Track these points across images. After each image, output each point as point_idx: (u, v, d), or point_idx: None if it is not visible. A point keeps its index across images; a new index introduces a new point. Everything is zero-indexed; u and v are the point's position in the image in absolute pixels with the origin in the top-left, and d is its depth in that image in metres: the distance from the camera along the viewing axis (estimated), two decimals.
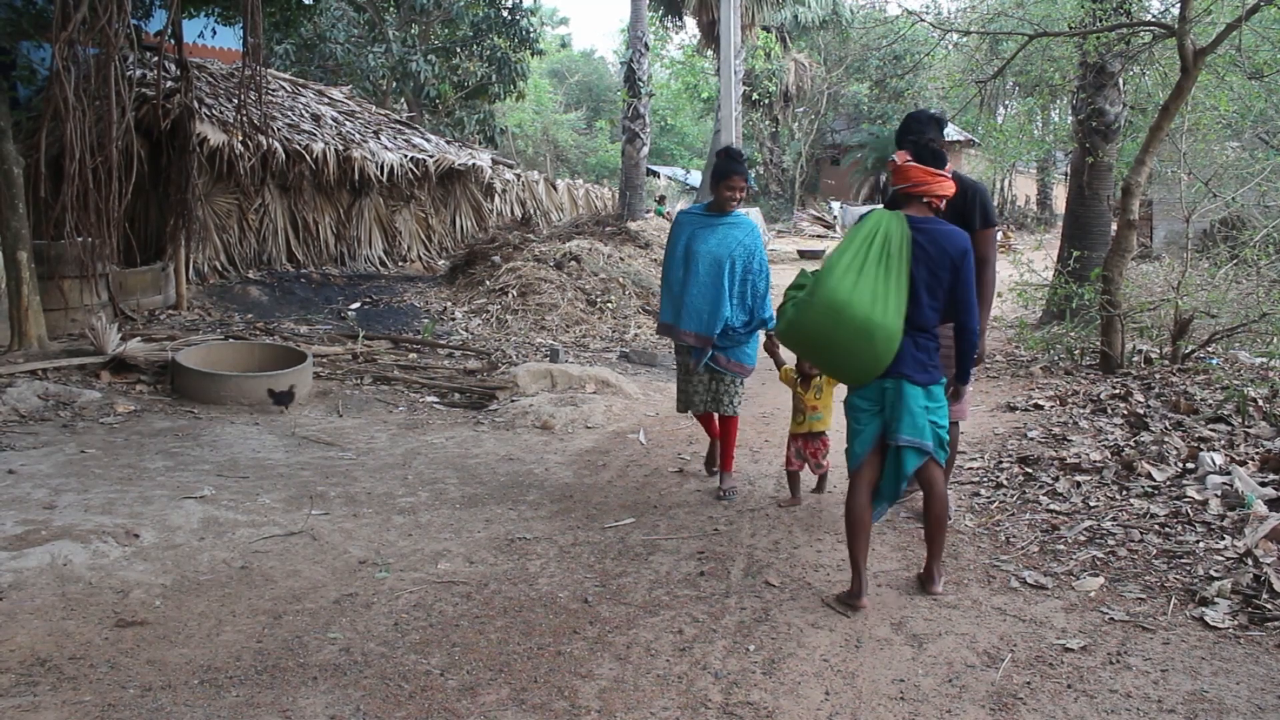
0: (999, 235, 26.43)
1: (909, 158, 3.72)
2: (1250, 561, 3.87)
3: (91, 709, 2.97)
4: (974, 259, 3.75)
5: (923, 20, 10.71)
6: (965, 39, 12.85)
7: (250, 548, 4.39)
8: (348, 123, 13.88)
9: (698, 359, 5.18)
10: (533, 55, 20.72)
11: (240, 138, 10.97)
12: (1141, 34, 9.65)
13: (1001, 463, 5.71)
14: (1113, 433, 6.01)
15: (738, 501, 5.18)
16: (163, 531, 4.47)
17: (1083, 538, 4.41)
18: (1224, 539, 4.16)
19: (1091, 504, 4.81)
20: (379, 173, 13.18)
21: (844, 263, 3.57)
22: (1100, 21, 9.41)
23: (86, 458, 5.61)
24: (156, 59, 9.49)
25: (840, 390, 4.81)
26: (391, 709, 3.01)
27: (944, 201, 3.75)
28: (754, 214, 24.12)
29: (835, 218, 29.21)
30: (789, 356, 5.16)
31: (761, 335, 5.30)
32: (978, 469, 5.67)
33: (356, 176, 13.03)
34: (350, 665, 3.29)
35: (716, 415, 5.36)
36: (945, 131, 4.33)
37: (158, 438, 6.20)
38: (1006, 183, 33.13)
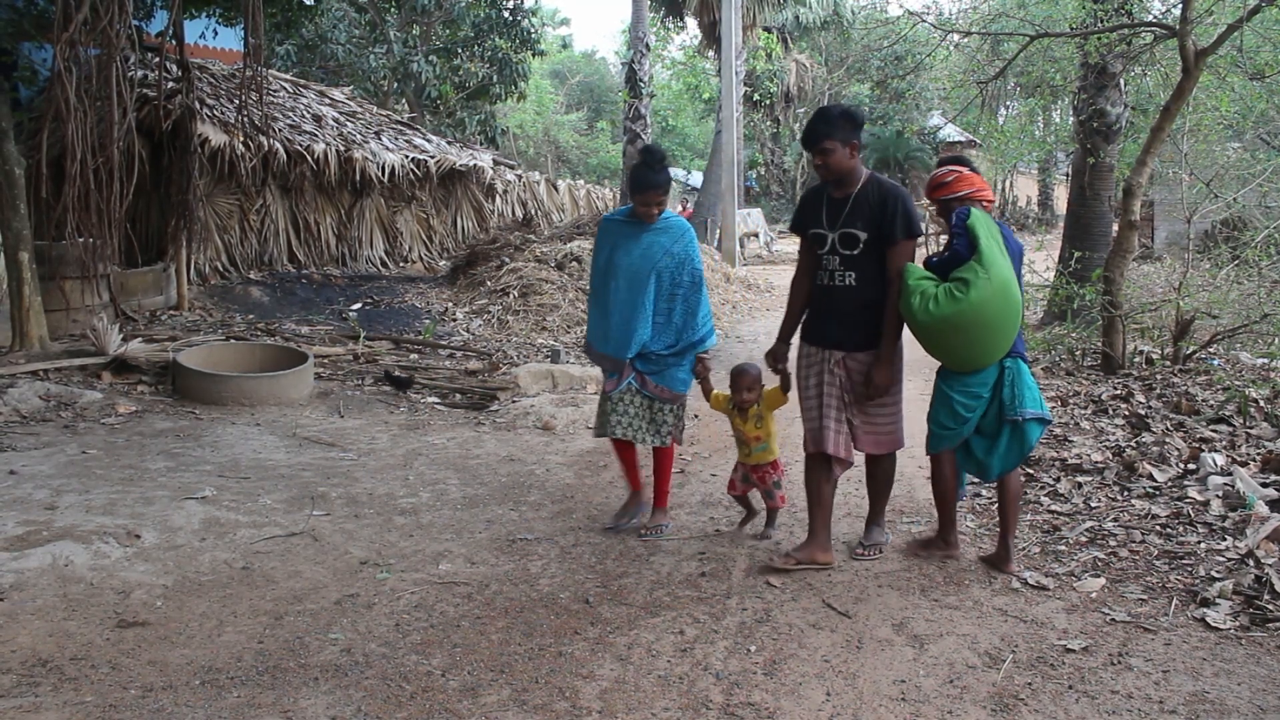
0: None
1: (964, 169, 4.20)
2: (1252, 562, 3.87)
3: (93, 710, 2.97)
4: (889, 271, 3.99)
5: (924, 21, 10.71)
6: (967, 40, 12.86)
7: (251, 548, 4.40)
8: (349, 123, 13.87)
9: (615, 383, 4.59)
10: (534, 56, 20.70)
11: (241, 138, 10.97)
12: (1143, 35, 9.66)
13: None
14: (1114, 433, 6.01)
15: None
16: (164, 532, 4.47)
17: (1084, 538, 4.41)
18: (1225, 540, 4.16)
19: (1093, 505, 4.81)
20: (380, 173, 13.17)
21: (994, 248, 3.88)
22: (1102, 22, 9.41)
23: (88, 458, 5.62)
24: (158, 60, 9.49)
25: (784, 415, 4.75)
26: (393, 709, 3.01)
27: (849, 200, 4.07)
28: (755, 214, 24.12)
29: None
30: (722, 381, 4.74)
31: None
32: None
33: (358, 177, 13.03)
34: (351, 666, 3.30)
35: (641, 446, 4.76)
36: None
37: (159, 438, 6.20)
38: (1008, 183, 33.15)
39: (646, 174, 4.49)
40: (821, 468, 4.15)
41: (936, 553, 4.29)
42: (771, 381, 4.54)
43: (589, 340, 4.77)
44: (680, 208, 24.67)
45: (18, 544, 4.16)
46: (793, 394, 4.40)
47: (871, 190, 4.03)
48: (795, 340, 4.37)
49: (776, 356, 4.36)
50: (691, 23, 29.90)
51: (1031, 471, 5.42)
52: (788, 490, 4.84)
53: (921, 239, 4.54)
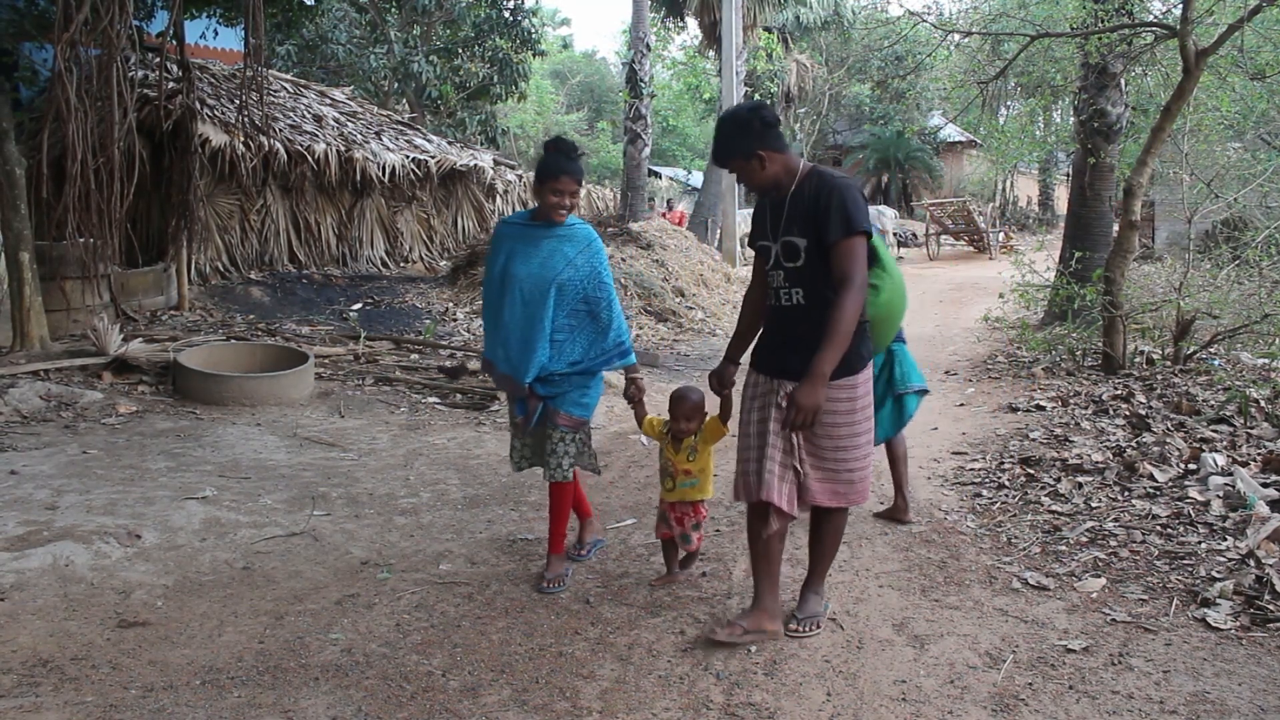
0: (995, 238, 25.91)
1: None
2: (1252, 562, 3.87)
3: (94, 709, 2.97)
4: (835, 276, 3.25)
5: (924, 21, 10.72)
6: (967, 40, 12.85)
7: (252, 548, 4.40)
8: (349, 123, 13.87)
9: (522, 412, 3.97)
10: (534, 56, 20.71)
11: (242, 138, 10.96)
12: (1143, 35, 9.66)
13: (1003, 463, 5.71)
14: (1115, 434, 6.01)
15: (740, 504, 5.14)
16: (164, 532, 4.47)
17: (1084, 539, 4.41)
18: (1226, 540, 4.16)
19: (1093, 505, 4.81)
20: (381, 174, 13.17)
21: (887, 250, 4.27)
22: (1102, 22, 9.41)
23: (88, 458, 5.62)
24: (158, 60, 9.49)
25: (719, 452, 4.22)
26: (393, 710, 3.01)
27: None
28: None
29: None
30: (654, 408, 4.25)
31: (606, 380, 4.14)
32: (979, 470, 5.67)
33: (358, 177, 13.03)
34: (352, 666, 3.30)
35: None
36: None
37: (159, 438, 6.20)
38: (1009, 183, 33.15)
39: (555, 159, 3.80)
40: (763, 519, 3.44)
41: (894, 522, 4.82)
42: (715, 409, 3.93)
43: (487, 357, 4.15)
44: (666, 208, 24.60)
45: (19, 544, 4.17)
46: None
47: (807, 187, 3.37)
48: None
49: (722, 379, 3.74)
50: (692, 23, 29.87)
51: (1032, 472, 5.42)
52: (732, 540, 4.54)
53: (896, 239, 4.62)
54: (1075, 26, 10.07)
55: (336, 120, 13.71)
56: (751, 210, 3.93)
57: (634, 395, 4.06)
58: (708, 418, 3.93)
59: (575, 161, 3.84)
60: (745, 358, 3.74)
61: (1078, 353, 8.93)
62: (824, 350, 3.18)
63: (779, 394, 3.38)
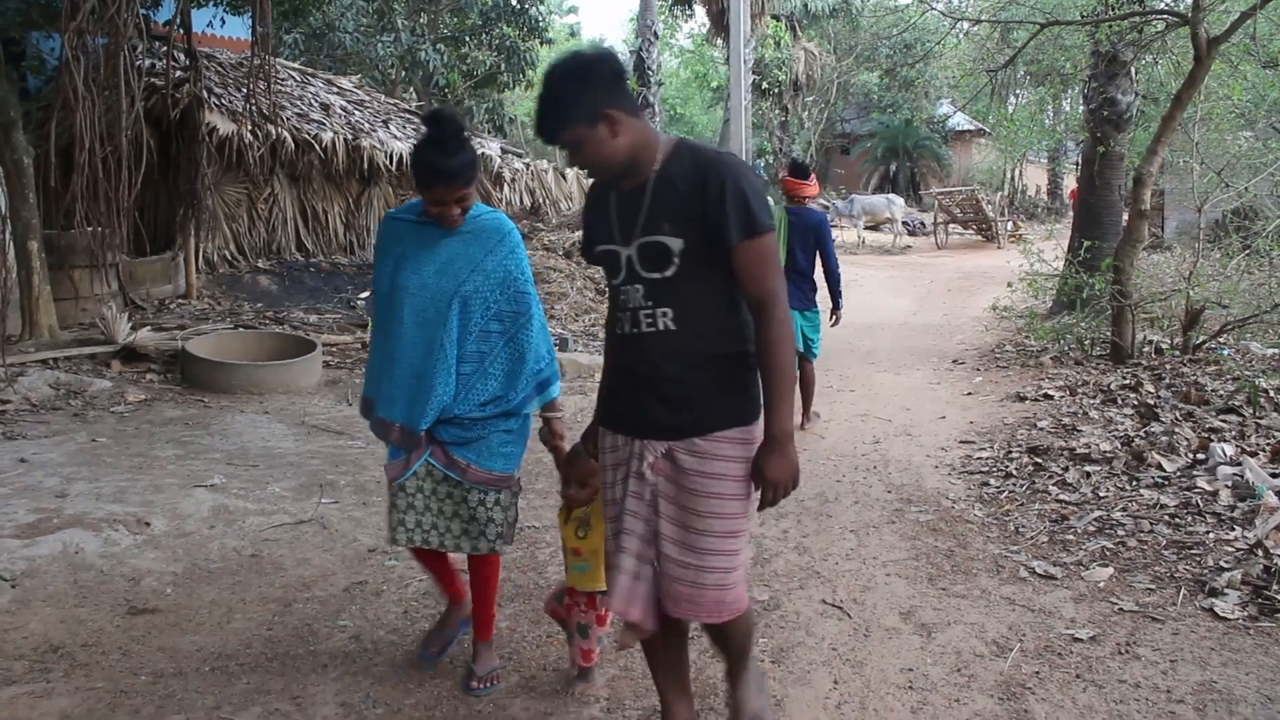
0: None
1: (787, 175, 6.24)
2: (1260, 553, 3.85)
3: (104, 695, 2.99)
4: (748, 297, 2.35)
5: (933, 9, 10.67)
6: (976, 28, 12.78)
7: (260, 536, 4.41)
8: (357, 112, 13.85)
9: (402, 465, 2.98)
10: (542, 44, 20.65)
11: (249, 127, 10.96)
12: (1154, 22, 9.60)
13: (1011, 452, 5.70)
14: (1123, 423, 5.99)
15: None
16: (173, 520, 4.49)
17: (1092, 528, 4.41)
18: (1234, 530, 4.15)
19: (1101, 494, 4.80)
20: (388, 162, 13.16)
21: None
22: (1113, 10, 9.35)
23: (98, 446, 5.64)
24: (165, 48, 9.49)
25: None
26: (401, 696, 3.02)
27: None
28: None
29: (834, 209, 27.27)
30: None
31: (534, 420, 3.12)
32: (987, 459, 5.66)
33: (366, 165, 13.01)
34: (360, 652, 3.31)
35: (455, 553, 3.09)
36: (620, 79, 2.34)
37: (168, 426, 6.22)
38: (1017, 172, 33.03)
39: (433, 159, 2.80)
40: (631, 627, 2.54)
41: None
42: None
43: (366, 395, 3.13)
44: None
45: (29, 531, 4.19)
46: None
47: (678, 169, 2.36)
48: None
49: (596, 445, 2.66)
50: (700, 11, 29.76)
51: (1040, 461, 5.41)
52: None
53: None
54: (1085, 14, 10.01)
55: (344, 108, 13.69)
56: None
57: (550, 443, 3.11)
58: None
59: (457, 156, 2.79)
60: None
61: (1086, 342, 8.90)
62: (776, 403, 2.32)
63: (643, 460, 2.42)
